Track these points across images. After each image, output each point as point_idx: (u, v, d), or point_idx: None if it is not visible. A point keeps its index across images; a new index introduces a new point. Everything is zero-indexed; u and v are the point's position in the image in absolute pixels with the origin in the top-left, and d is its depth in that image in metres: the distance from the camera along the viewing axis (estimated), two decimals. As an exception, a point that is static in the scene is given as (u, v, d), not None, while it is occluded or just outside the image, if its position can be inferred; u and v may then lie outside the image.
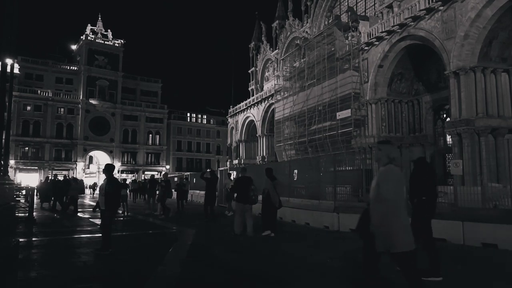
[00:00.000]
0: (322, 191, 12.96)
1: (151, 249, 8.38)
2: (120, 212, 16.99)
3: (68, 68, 63.10)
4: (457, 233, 8.32)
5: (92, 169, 61.05)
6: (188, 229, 11.36)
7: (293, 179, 14.43)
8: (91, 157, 62.68)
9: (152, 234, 11.31)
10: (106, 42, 64.29)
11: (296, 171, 14.50)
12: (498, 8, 19.95)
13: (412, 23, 24.23)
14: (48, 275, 6.04)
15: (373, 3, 33.94)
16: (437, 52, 22.95)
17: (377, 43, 27.36)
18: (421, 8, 23.31)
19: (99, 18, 65.81)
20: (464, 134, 21.01)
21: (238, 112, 55.47)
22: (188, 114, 73.90)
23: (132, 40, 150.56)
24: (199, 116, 75.13)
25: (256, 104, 50.31)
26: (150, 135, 67.14)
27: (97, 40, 63.48)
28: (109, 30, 65.46)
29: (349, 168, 15.06)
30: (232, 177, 18.50)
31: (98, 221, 10.95)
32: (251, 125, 53.05)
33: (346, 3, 38.36)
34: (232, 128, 58.05)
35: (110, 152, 62.12)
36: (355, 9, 35.55)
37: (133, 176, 59.67)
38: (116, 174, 57.22)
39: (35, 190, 19.17)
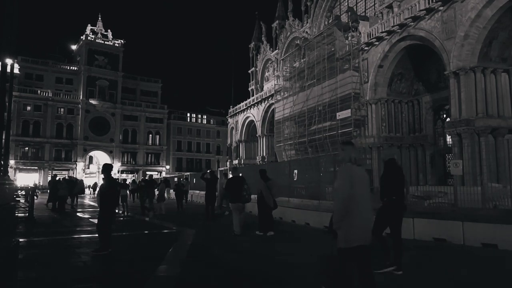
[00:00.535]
0: (322, 191, 12.96)
1: (151, 249, 8.38)
2: (120, 212, 17.01)
3: (68, 68, 63.10)
4: (457, 233, 8.32)
5: (92, 169, 61.07)
6: (188, 229, 11.35)
7: (293, 179, 14.43)
8: (91, 157, 62.69)
9: (152, 234, 11.31)
10: (106, 42, 64.29)
11: (296, 171, 14.50)
12: (498, 8, 19.96)
13: (412, 23, 24.24)
14: (48, 275, 6.04)
15: (373, 3, 33.94)
16: (437, 52, 22.95)
17: (377, 43, 27.36)
18: (421, 8, 23.31)
19: (99, 18, 65.87)
20: (464, 134, 21.01)
21: (238, 112, 55.47)
22: (188, 114, 73.89)
23: (132, 40, 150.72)
24: (199, 116, 75.12)
25: (256, 104, 50.31)
26: (150, 135, 67.14)
27: (97, 40, 63.49)
28: (109, 30, 65.52)
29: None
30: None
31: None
32: (251, 125, 53.05)
33: (346, 3, 38.36)
34: (232, 128, 58.06)
35: (110, 152, 62.12)
36: (355, 9, 35.55)
37: (133, 176, 59.67)
38: (116, 174, 57.30)
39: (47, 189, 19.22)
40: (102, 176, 7.99)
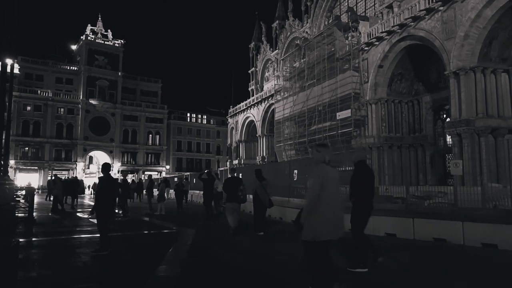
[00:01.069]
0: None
1: (151, 249, 8.38)
2: (120, 212, 17.00)
3: (68, 68, 63.10)
4: (457, 233, 8.32)
5: (92, 169, 61.06)
6: (188, 229, 11.35)
7: (293, 179, 14.44)
8: (91, 157, 62.69)
9: (152, 234, 11.31)
10: (106, 42, 64.28)
11: (296, 171, 14.51)
12: (498, 8, 19.97)
13: (412, 23, 24.24)
14: (48, 275, 6.03)
15: (373, 3, 33.95)
16: (437, 52, 22.96)
17: (377, 43, 27.37)
18: (421, 8, 23.32)
19: (99, 18, 65.86)
20: (464, 134, 21.02)
21: (238, 112, 55.48)
22: (188, 114, 73.88)
23: (132, 40, 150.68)
24: (199, 116, 75.11)
25: (256, 104, 50.31)
26: (150, 135, 67.13)
27: (97, 40, 63.48)
28: (109, 30, 65.50)
29: (349, 168, 15.06)
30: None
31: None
32: (251, 125, 53.05)
33: (346, 3, 38.37)
34: (232, 128, 58.06)
35: (110, 152, 62.12)
36: (355, 9, 35.56)
37: (133, 176, 59.68)
38: (116, 175, 57.28)
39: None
40: (100, 175, 7.97)
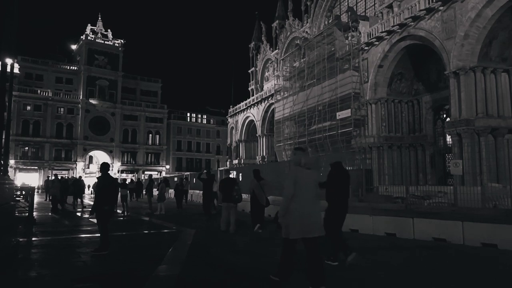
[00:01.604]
0: (322, 191, 12.95)
1: (151, 249, 8.38)
2: (120, 211, 17.01)
3: (68, 68, 63.09)
4: (457, 233, 8.32)
5: (92, 169, 61.02)
6: (188, 229, 11.35)
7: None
8: (91, 157, 62.68)
9: (152, 234, 11.31)
10: (106, 42, 64.26)
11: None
12: (498, 8, 19.97)
13: (412, 23, 24.24)
14: (48, 275, 6.03)
15: (373, 3, 33.94)
16: (437, 52, 22.96)
17: (377, 43, 27.36)
18: (421, 8, 23.32)
19: (99, 18, 65.84)
20: (464, 134, 21.02)
21: (238, 112, 55.48)
22: (188, 114, 73.88)
23: (132, 40, 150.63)
24: (199, 116, 75.10)
25: (256, 104, 50.31)
26: (150, 135, 67.12)
27: (97, 40, 63.47)
28: (109, 30, 65.50)
29: (349, 168, 15.07)
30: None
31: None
32: (251, 125, 53.05)
33: (346, 3, 38.36)
34: (232, 128, 58.06)
35: (110, 152, 62.12)
36: (355, 9, 35.56)
37: (133, 176, 59.71)
38: (116, 174, 57.27)
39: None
40: (99, 174, 7.96)
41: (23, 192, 17.46)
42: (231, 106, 58.03)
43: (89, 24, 63.95)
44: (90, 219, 14.09)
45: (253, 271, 6.18)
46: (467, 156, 19.05)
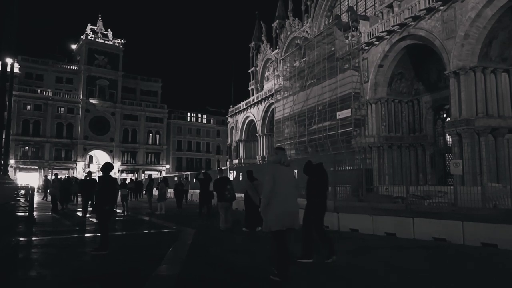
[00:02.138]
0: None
1: (151, 248, 8.38)
2: (120, 211, 17.01)
3: (68, 67, 63.09)
4: (457, 233, 8.32)
5: (92, 169, 60.99)
6: (188, 228, 11.36)
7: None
8: (91, 157, 62.68)
9: (152, 234, 11.31)
10: (106, 42, 64.25)
11: (296, 171, 14.51)
12: (498, 8, 19.96)
13: (412, 23, 24.23)
14: (48, 275, 6.03)
15: (373, 3, 33.94)
16: (437, 52, 22.96)
17: (377, 43, 27.35)
18: (421, 8, 23.31)
19: (99, 18, 65.82)
20: (464, 134, 21.02)
21: (238, 112, 55.46)
22: (188, 114, 73.89)
23: (132, 39, 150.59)
24: (199, 115, 75.10)
25: (256, 104, 50.31)
26: (150, 134, 67.11)
27: (97, 40, 63.45)
28: (109, 30, 65.48)
29: (349, 167, 15.10)
30: (232, 177, 18.87)
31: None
32: (251, 124, 53.05)
33: (346, 3, 38.36)
34: (232, 127, 58.05)
35: (110, 152, 62.12)
36: (355, 9, 35.55)
37: (133, 175, 59.71)
38: (116, 174, 57.25)
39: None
40: (100, 174, 7.98)
41: (23, 192, 17.47)
42: (231, 106, 58.04)
43: (89, 24, 63.98)
44: (91, 219, 14.10)
45: (252, 271, 6.19)
46: (467, 156, 19.05)
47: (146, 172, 62.95)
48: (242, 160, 53.48)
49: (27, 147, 56.69)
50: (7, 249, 7.41)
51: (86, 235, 10.33)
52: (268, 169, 5.36)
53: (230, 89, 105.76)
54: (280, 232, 5.12)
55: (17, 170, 53.86)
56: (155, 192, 21.20)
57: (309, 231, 6.61)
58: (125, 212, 16.87)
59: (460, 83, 21.49)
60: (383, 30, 26.45)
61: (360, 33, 29.08)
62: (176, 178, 27.65)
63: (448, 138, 24.29)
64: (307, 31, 42.05)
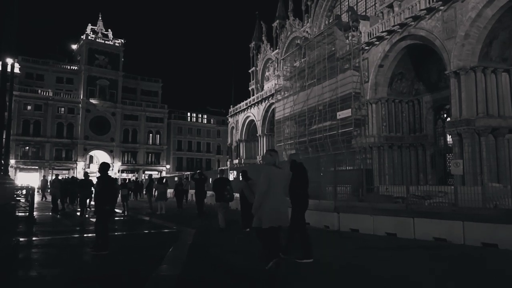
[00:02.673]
0: (323, 190, 12.98)
1: (151, 248, 8.38)
2: (120, 211, 17.02)
3: (69, 67, 63.09)
4: (457, 233, 8.31)
5: (93, 169, 61.01)
6: (188, 229, 11.36)
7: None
8: (91, 157, 62.67)
9: (153, 234, 11.32)
10: (106, 42, 64.24)
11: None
12: (498, 8, 19.94)
13: (413, 22, 24.21)
14: (48, 275, 6.04)
15: (373, 2, 33.93)
16: (438, 52, 22.94)
17: (377, 42, 27.33)
18: (422, 8, 23.29)
19: (100, 18, 65.77)
20: (464, 134, 21.00)
21: (239, 112, 55.45)
22: (189, 114, 73.89)
23: (133, 40, 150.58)
24: (199, 115, 75.11)
25: (256, 104, 50.29)
26: (151, 134, 67.12)
27: (97, 40, 63.44)
28: (109, 30, 65.46)
29: (350, 168, 15.09)
30: (232, 177, 18.96)
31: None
32: (251, 124, 53.04)
33: (347, 3, 38.34)
34: (233, 127, 58.04)
35: (110, 152, 62.13)
36: (355, 9, 35.53)
37: (133, 175, 59.74)
38: (116, 174, 57.28)
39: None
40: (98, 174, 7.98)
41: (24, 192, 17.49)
42: (231, 106, 58.01)
43: (89, 24, 63.95)
44: (91, 219, 14.10)
45: (251, 272, 6.19)
46: (467, 156, 19.01)
47: (146, 172, 62.94)
48: (243, 160, 53.46)
49: (27, 147, 56.71)
50: (7, 249, 7.42)
51: (86, 235, 10.33)
52: (263, 171, 5.65)
53: (230, 89, 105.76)
54: (270, 229, 5.45)
55: (18, 170, 53.87)
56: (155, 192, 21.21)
57: (303, 230, 6.71)
58: (125, 212, 16.88)
59: (460, 83, 21.47)
60: (384, 30, 26.43)
61: (360, 33, 29.06)
62: (176, 178, 27.64)
63: (449, 138, 24.26)
64: (307, 31, 42.04)
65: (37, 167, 56.35)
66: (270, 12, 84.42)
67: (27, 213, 13.84)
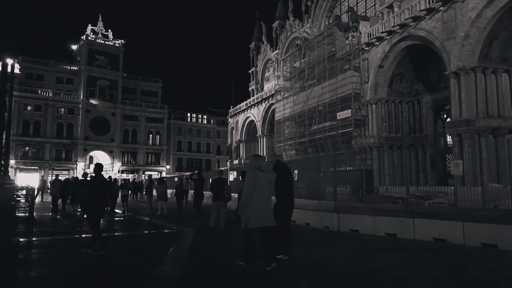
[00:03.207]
0: (322, 191, 12.97)
1: (152, 249, 8.38)
2: (120, 211, 17.02)
3: (69, 68, 63.10)
4: (457, 234, 8.31)
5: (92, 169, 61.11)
6: (188, 229, 11.37)
7: (294, 179, 14.44)
8: (91, 157, 62.63)
9: (153, 234, 11.31)
10: (106, 42, 64.25)
11: (296, 171, 14.51)
12: (498, 8, 19.95)
13: (413, 23, 24.22)
14: (48, 275, 6.04)
15: (373, 3, 33.93)
16: (438, 53, 22.94)
17: (377, 43, 27.34)
18: (422, 9, 23.29)
19: (100, 18, 65.78)
20: (464, 135, 21.00)
21: (239, 112, 55.45)
22: (189, 114, 73.90)
23: (132, 40, 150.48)
24: (199, 116, 75.11)
25: (256, 104, 50.30)
26: (150, 135, 67.12)
27: (97, 40, 63.45)
28: (109, 30, 65.45)
29: (349, 168, 15.06)
30: (232, 178, 18.99)
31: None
32: (251, 125, 53.04)
33: (347, 3, 38.36)
34: (233, 128, 58.04)
35: (110, 152, 62.12)
36: (355, 10, 35.54)
37: (133, 176, 59.72)
38: (116, 174, 57.27)
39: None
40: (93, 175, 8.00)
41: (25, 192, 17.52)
42: (231, 106, 58.00)
43: (89, 24, 63.94)
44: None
45: (254, 272, 6.18)
46: (467, 156, 18.99)
47: (146, 172, 62.90)
48: (243, 160, 53.43)
49: (27, 148, 56.70)
50: (7, 249, 7.42)
51: (86, 235, 10.31)
52: (248, 175, 6.08)
53: (230, 89, 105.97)
54: (255, 230, 5.88)
55: (18, 171, 53.87)
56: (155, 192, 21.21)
57: (287, 226, 6.96)
58: (125, 213, 16.88)
59: (460, 83, 21.47)
60: (383, 30, 26.43)
61: (360, 33, 29.07)
62: (176, 179, 27.65)
63: (449, 139, 24.25)
64: (307, 32, 42.05)
65: (37, 168, 56.33)
66: (270, 13, 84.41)
67: (27, 214, 13.84)
